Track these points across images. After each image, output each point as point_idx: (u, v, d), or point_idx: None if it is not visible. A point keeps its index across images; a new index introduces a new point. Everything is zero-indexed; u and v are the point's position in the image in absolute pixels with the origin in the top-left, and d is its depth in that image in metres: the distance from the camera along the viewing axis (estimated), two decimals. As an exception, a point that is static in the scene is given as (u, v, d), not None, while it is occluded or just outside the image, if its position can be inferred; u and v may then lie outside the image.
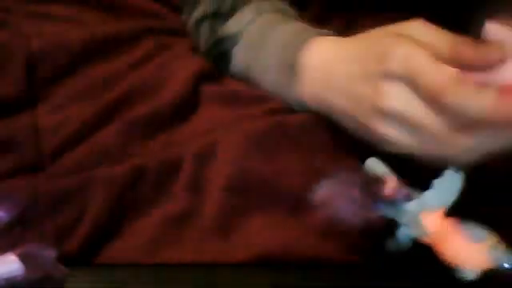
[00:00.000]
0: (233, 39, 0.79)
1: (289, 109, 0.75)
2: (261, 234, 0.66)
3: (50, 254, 0.59)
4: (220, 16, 0.81)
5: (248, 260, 0.65)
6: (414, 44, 0.63)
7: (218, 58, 0.81)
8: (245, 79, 0.79)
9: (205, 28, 0.82)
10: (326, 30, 0.76)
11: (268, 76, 0.76)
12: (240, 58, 0.79)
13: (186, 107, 0.76)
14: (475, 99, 0.60)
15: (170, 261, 0.65)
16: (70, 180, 0.68)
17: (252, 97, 0.77)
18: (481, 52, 0.62)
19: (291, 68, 0.73)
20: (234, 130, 0.72)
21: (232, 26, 0.80)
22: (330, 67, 0.70)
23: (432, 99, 0.61)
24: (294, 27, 0.77)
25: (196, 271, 0.65)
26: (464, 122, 0.61)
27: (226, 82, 0.81)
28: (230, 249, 0.65)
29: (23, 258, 0.58)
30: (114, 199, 0.67)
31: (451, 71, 0.61)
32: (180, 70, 0.79)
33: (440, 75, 0.61)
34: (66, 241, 0.65)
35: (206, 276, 0.64)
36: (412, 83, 0.62)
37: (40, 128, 0.73)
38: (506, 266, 0.60)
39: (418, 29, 0.65)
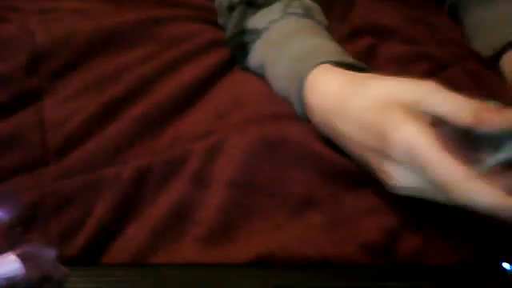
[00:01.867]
0: (256, 34, 0.79)
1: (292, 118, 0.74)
2: (262, 234, 0.66)
3: (50, 254, 0.59)
4: (253, 5, 0.80)
5: (248, 260, 0.65)
6: (418, 128, 0.61)
7: (238, 47, 0.81)
8: (258, 75, 0.79)
9: (236, 13, 0.81)
10: (341, 50, 0.75)
11: (280, 83, 0.76)
12: (258, 55, 0.79)
13: (194, 98, 0.76)
14: (483, 197, 0.58)
15: (170, 258, 0.66)
16: (76, 181, 0.68)
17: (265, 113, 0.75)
18: (507, 117, 0.60)
19: (300, 88, 0.72)
20: (243, 130, 0.72)
21: (259, 19, 0.79)
22: (342, 100, 0.68)
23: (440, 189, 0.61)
24: (310, 44, 0.75)
25: (196, 271, 0.65)
26: None
27: (238, 78, 0.80)
28: (231, 249, 0.66)
29: (23, 258, 0.58)
30: (119, 201, 0.67)
31: (459, 167, 0.59)
32: (190, 66, 0.78)
33: (447, 171, 0.59)
34: (71, 241, 0.66)
35: (206, 276, 0.64)
36: (416, 170, 0.62)
37: (46, 121, 0.72)
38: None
39: (434, 96, 0.62)
